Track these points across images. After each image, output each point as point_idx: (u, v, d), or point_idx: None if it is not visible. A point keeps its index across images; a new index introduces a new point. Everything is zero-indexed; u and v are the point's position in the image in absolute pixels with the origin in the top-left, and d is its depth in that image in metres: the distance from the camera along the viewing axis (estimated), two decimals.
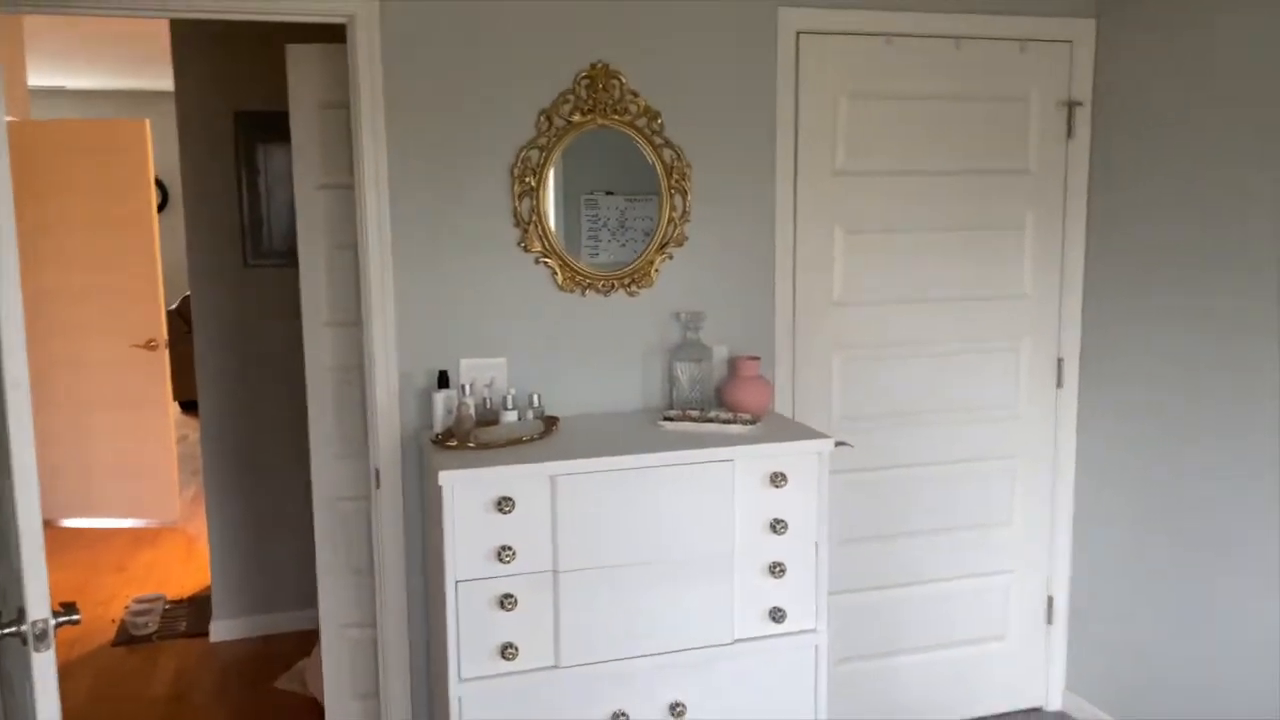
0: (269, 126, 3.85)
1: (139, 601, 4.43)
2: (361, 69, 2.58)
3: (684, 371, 2.85)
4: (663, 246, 2.86)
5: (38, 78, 7.89)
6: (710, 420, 2.67)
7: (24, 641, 1.50)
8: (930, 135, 3.11)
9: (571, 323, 2.84)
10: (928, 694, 3.36)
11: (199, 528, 5.35)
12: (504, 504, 2.34)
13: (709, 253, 2.92)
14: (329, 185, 2.93)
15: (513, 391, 2.75)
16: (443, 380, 2.69)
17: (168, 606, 4.43)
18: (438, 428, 2.64)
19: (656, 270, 2.88)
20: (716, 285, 2.95)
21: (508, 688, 2.40)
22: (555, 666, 2.43)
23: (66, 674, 3.80)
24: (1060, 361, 3.32)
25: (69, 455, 5.49)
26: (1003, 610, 3.40)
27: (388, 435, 2.72)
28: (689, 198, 2.87)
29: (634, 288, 2.87)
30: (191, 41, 3.88)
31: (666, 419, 2.69)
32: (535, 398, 2.69)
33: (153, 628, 4.20)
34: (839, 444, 3.06)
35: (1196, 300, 2.87)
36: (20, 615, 1.50)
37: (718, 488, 2.50)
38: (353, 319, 2.93)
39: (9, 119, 5.33)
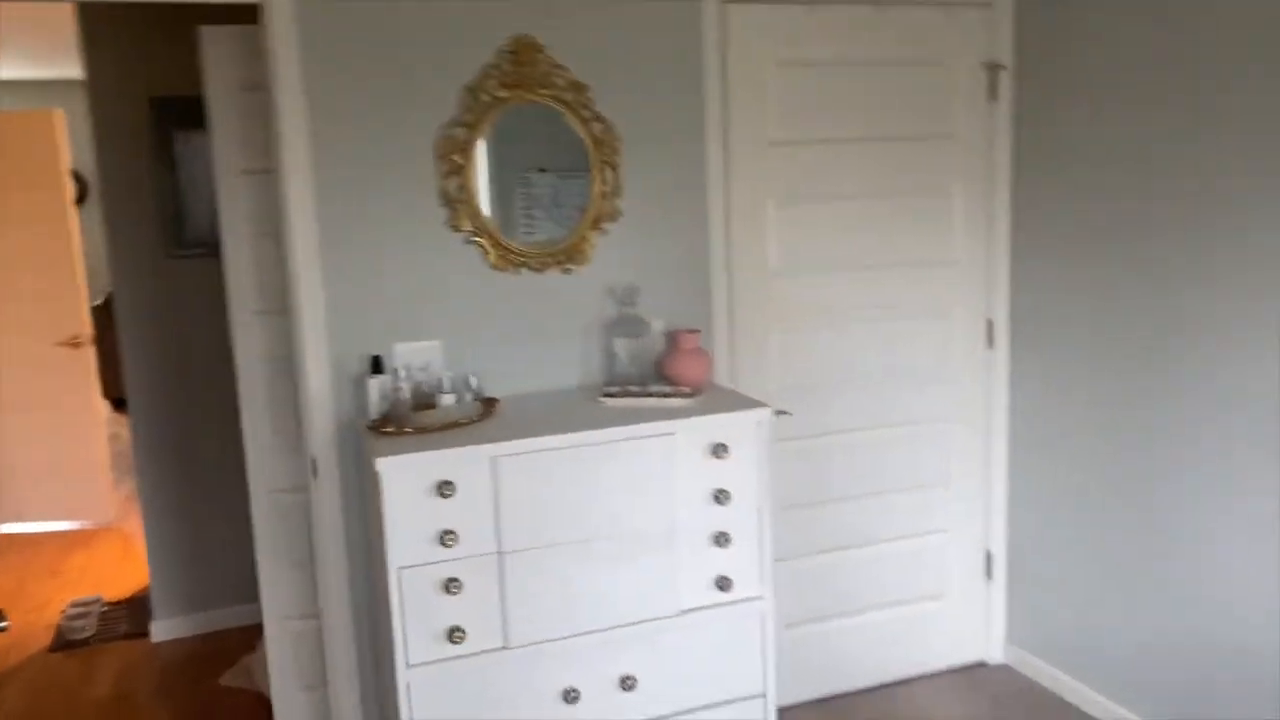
0: (186, 112, 3.73)
1: (75, 605, 4.32)
2: (277, 49, 2.51)
3: (622, 347, 2.84)
4: (596, 222, 2.84)
5: None
6: (650, 394, 2.67)
7: None
8: (858, 102, 3.12)
9: (506, 302, 2.81)
10: (874, 654, 3.42)
11: (135, 527, 5.22)
12: (444, 488, 2.32)
13: (644, 227, 2.91)
14: (250, 170, 2.86)
15: (449, 374, 2.71)
16: (376, 366, 2.65)
17: (105, 608, 4.33)
18: (373, 414, 2.60)
19: (591, 246, 2.85)
20: (652, 259, 2.94)
21: (457, 671, 2.39)
22: (504, 647, 2.42)
23: (2, 683, 3.70)
24: (990, 324, 3.38)
25: None
26: (943, 569, 3.47)
27: (323, 424, 2.67)
28: (620, 172, 2.85)
29: (569, 265, 2.84)
30: (101, 27, 3.75)
31: (606, 395, 2.68)
32: (472, 380, 2.66)
33: (91, 631, 4.10)
34: (778, 413, 3.09)
35: (1124, 261, 2.93)
36: None
37: (660, 461, 2.50)
38: (281, 307, 2.87)
39: None
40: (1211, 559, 2.75)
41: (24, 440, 5.35)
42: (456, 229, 2.72)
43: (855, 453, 3.30)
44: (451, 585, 2.35)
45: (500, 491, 2.37)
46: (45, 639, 4.08)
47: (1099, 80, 2.94)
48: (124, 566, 4.86)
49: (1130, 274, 2.91)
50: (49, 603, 4.45)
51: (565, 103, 2.76)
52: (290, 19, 2.51)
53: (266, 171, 2.79)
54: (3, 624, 1.47)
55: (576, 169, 2.80)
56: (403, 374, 2.60)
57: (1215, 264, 2.65)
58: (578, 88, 2.77)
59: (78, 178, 7.94)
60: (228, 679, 3.66)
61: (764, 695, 2.69)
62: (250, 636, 3.88)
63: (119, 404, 7.71)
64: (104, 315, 7.26)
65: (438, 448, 2.33)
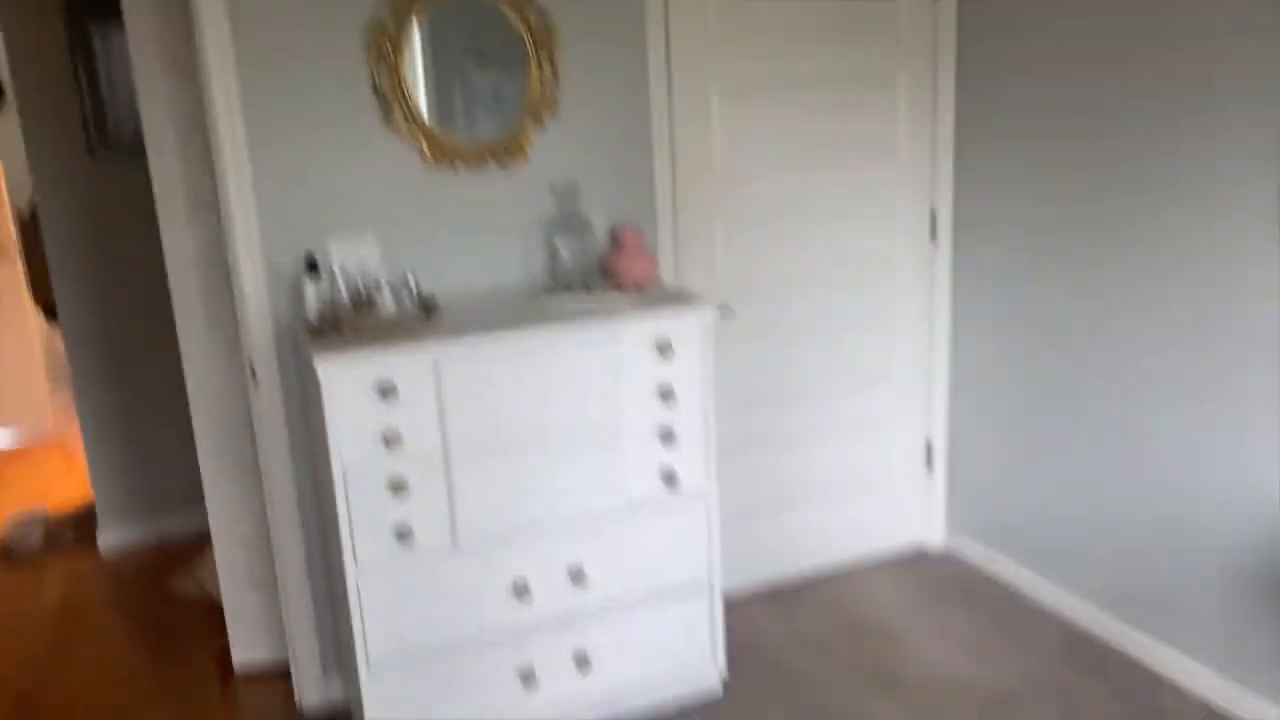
0: (102, 4, 3.54)
1: (19, 518, 4.27)
2: None
3: (565, 245, 2.81)
4: (534, 117, 2.77)
5: None
6: (594, 294, 2.65)
7: None
8: None
9: (445, 201, 2.75)
10: (818, 543, 3.51)
11: (75, 438, 5.15)
12: (387, 390, 2.30)
13: (584, 122, 2.85)
14: (172, 64, 2.73)
15: (388, 276, 2.67)
16: (312, 268, 2.59)
17: (51, 520, 4.28)
18: (312, 317, 2.55)
19: (530, 142, 2.79)
20: (594, 156, 2.88)
21: (406, 568, 2.41)
22: (452, 544, 2.44)
23: None
24: (933, 217, 3.39)
25: None
26: (885, 460, 3.55)
27: (260, 327, 2.62)
28: (559, 64, 2.77)
29: (507, 161, 2.78)
30: None
31: (549, 294, 2.66)
32: (412, 280, 2.62)
33: (37, 542, 4.07)
34: (723, 311, 3.09)
35: (1066, 155, 2.94)
36: None
37: (604, 360, 2.49)
38: (212, 208, 2.78)
39: None
40: (1143, 440, 2.83)
41: None
42: (389, 124, 2.64)
43: (801, 349, 3.32)
44: (397, 486, 2.35)
45: (444, 392, 2.36)
46: None
47: None
48: (68, 479, 4.80)
49: (1071, 167, 2.92)
50: None
51: None
52: None
53: (189, 66, 2.67)
54: None
55: (513, 62, 2.72)
56: (340, 274, 2.55)
57: (1152, 160, 2.67)
58: None
59: None
60: (179, 585, 3.67)
61: (709, 584, 2.76)
62: (201, 542, 3.87)
63: (52, 313, 7.52)
64: (31, 223, 7.03)
65: (379, 350, 2.30)
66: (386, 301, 2.53)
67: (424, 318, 2.51)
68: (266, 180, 2.56)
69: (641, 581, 2.67)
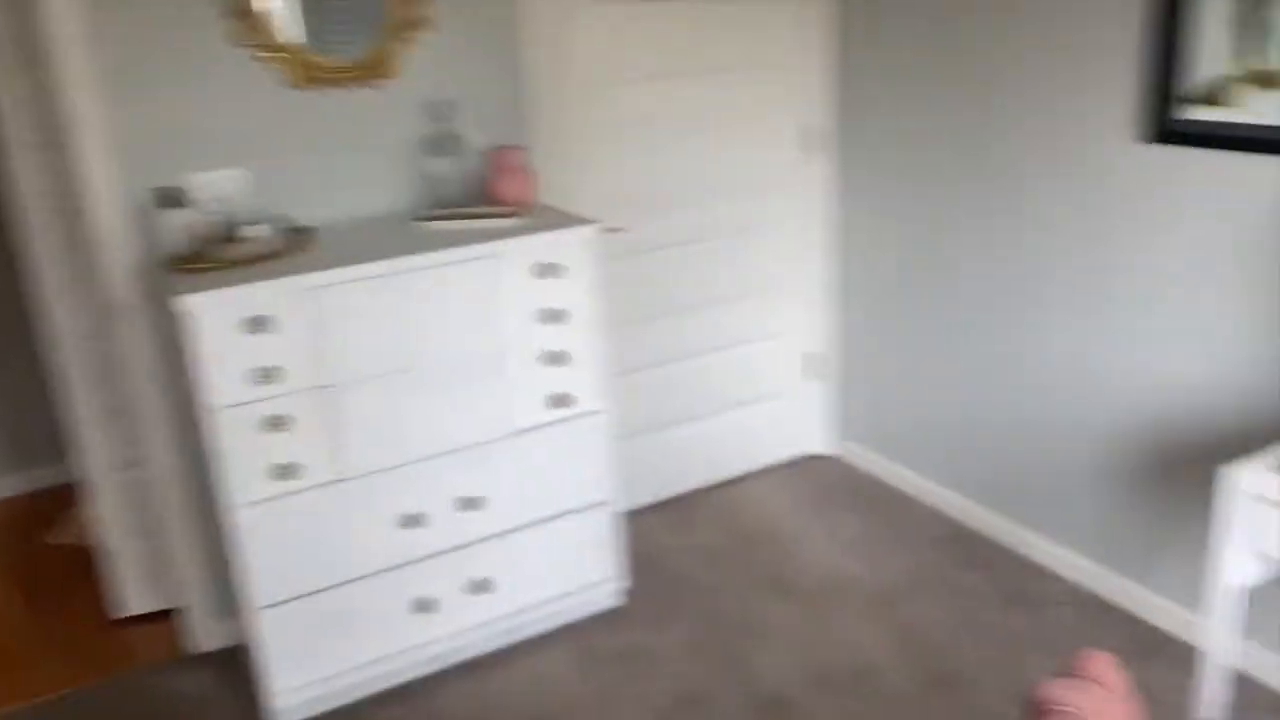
0: None
1: None
2: None
3: (440, 167, 2.73)
4: (401, 31, 2.66)
5: None
6: (473, 216, 2.59)
7: None
8: None
9: (312, 124, 2.63)
10: (712, 455, 3.56)
11: None
12: (259, 324, 2.22)
13: (455, 38, 2.74)
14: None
15: (256, 204, 2.55)
16: (175, 199, 2.46)
17: None
18: (176, 250, 2.43)
19: (399, 59, 2.68)
20: (468, 72, 2.78)
21: (291, 506, 2.36)
22: (338, 480, 2.39)
23: None
24: (816, 128, 3.39)
25: None
26: (775, 371, 3.60)
27: (121, 265, 2.49)
28: None
29: (377, 80, 2.67)
30: None
31: (427, 218, 2.59)
32: (281, 209, 2.51)
33: None
34: (608, 229, 3.06)
35: (945, 64, 2.96)
36: None
37: (487, 284, 2.45)
38: (61, 138, 2.60)
39: None
40: (1019, 341, 2.93)
41: None
42: (247, 44, 2.50)
43: (689, 264, 3.32)
44: (277, 422, 2.29)
45: (320, 324, 2.28)
46: None
47: None
48: None
49: (948, 79, 2.94)
50: None
51: None
52: None
53: None
54: None
55: None
56: (205, 206, 2.42)
57: (1021, 69, 2.71)
58: None
59: None
60: (55, 537, 3.53)
61: (607, 502, 2.78)
62: (76, 490, 3.73)
63: None
64: None
65: (249, 281, 2.21)
66: (255, 232, 2.42)
67: (296, 248, 2.42)
68: (120, 108, 2.40)
69: (538, 505, 2.67)
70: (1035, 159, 2.74)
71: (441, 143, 2.72)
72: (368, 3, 2.60)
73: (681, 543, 3.25)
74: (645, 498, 3.46)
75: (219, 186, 2.53)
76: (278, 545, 2.37)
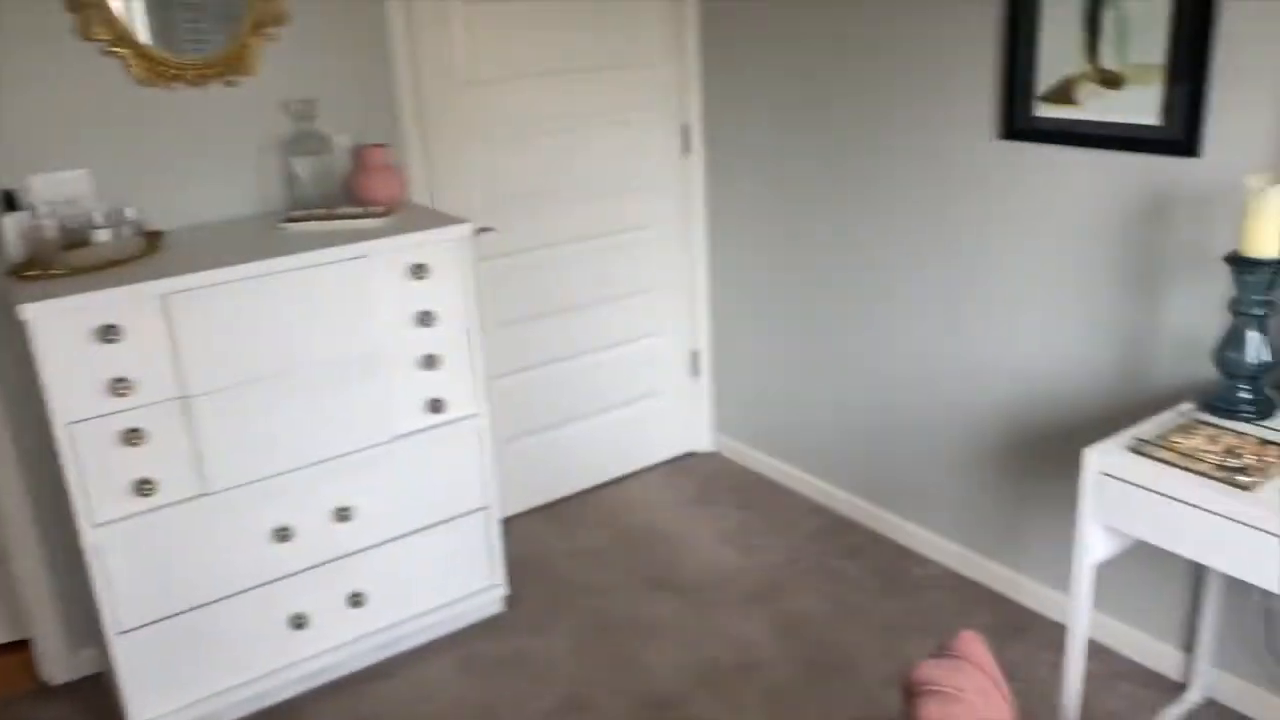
0: None
1: None
2: None
3: (303, 167, 2.64)
4: (259, 26, 2.56)
5: None
6: (338, 217, 2.51)
7: None
8: None
9: (162, 123, 2.50)
10: (593, 457, 3.55)
11: None
12: (109, 333, 2.10)
13: (317, 32, 2.65)
14: None
15: (102, 208, 2.41)
16: (10, 202, 2.30)
17: None
18: (14, 257, 2.28)
19: (257, 55, 2.58)
20: (331, 68, 2.70)
21: (150, 524, 2.24)
22: (202, 494, 2.28)
23: None
24: (686, 128, 3.41)
25: None
26: (653, 371, 3.61)
27: None
28: None
29: (232, 77, 2.56)
30: None
31: (289, 220, 2.50)
32: (129, 212, 2.38)
33: None
34: (480, 229, 3.01)
35: (808, 68, 3.01)
36: None
37: (354, 287, 2.37)
38: None
39: None
40: (886, 336, 3.01)
41: None
42: (88, 38, 2.36)
43: (564, 264, 3.30)
44: (132, 436, 2.17)
45: (176, 332, 2.17)
46: None
47: None
48: None
49: (812, 76, 3.00)
50: None
51: None
52: None
53: None
54: None
55: None
56: (45, 209, 2.28)
57: (883, 70, 2.78)
58: None
59: None
60: None
61: (486, 508, 2.73)
62: None
63: None
64: None
65: (96, 289, 2.09)
66: (102, 236, 2.29)
67: (147, 252, 2.29)
68: None
69: (415, 513, 2.61)
70: (898, 156, 2.82)
71: (304, 142, 2.63)
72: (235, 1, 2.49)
73: (565, 546, 3.23)
74: (528, 502, 3.42)
75: (61, 188, 2.38)
76: (136, 566, 2.24)
